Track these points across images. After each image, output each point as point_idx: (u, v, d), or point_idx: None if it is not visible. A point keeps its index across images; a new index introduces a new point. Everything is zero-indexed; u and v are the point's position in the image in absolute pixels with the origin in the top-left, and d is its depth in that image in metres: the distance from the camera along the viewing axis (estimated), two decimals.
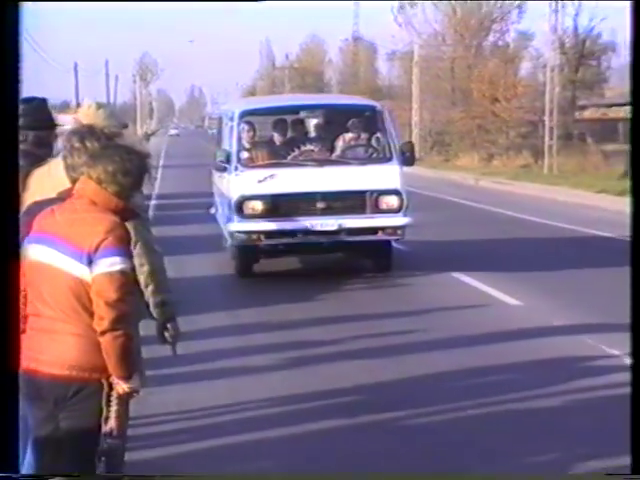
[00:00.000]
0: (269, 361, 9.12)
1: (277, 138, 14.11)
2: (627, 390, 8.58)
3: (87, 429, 4.15)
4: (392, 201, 12.84)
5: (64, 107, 65.32)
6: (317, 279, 13.37)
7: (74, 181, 4.44)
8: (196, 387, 8.24)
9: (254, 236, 12.68)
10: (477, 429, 7.23)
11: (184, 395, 7.89)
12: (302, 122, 14.79)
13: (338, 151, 13.66)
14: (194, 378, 8.48)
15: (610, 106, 49.11)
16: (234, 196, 12.75)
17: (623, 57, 52.00)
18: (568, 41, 45.40)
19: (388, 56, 67.54)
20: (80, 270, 4.03)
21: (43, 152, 5.54)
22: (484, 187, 34.22)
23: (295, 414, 7.51)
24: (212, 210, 15.76)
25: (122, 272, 4.04)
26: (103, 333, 4.01)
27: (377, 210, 12.80)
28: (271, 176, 12.76)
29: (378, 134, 13.57)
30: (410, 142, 15.05)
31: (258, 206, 12.67)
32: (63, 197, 4.36)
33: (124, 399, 4.20)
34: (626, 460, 4.12)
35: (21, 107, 3.72)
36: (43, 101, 6.00)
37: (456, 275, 13.50)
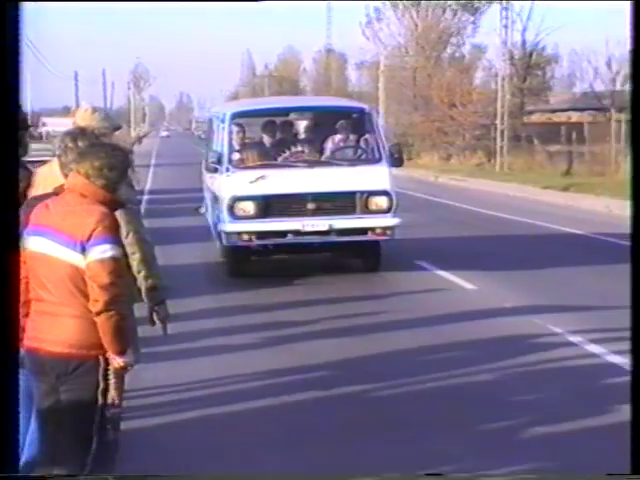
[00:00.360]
0: (250, 340, 9.10)
1: (267, 140, 13.22)
2: (568, 363, 8.63)
3: (86, 401, 4.16)
4: (382, 202, 11.95)
5: (65, 112, 65.12)
6: (294, 267, 13.32)
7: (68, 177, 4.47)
8: (184, 363, 8.20)
9: (245, 236, 11.77)
10: (435, 399, 7.24)
11: (173, 370, 7.86)
12: (291, 124, 13.93)
13: (327, 152, 12.75)
14: (182, 355, 8.44)
15: (554, 111, 49.34)
16: (226, 197, 11.86)
17: (565, 68, 52.32)
18: (517, 53, 45.50)
19: (357, 66, 67.73)
20: (75, 258, 4.06)
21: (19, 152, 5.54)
22: (443, 183, 34.28)
23: (273, 387, 7.50)
24: (202, 210, 14.85)
25: (113, 258, 4.06)
26: (98, 314, 4.04)
27: (367, 211, 11.91)
28: (262, 177, 11.83)
29: (367, 136, 12.70)
30: (398, 144, 14.34)
31: (249, 207, 11.78)
32: (58, 192, 4.38)
33: (120, 373, 4.20)
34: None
35: None
36: None
37: (418, 263, 13.50)
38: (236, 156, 12.33)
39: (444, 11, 52.84)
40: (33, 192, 4.88)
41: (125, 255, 4.42)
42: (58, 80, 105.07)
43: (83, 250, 4.04)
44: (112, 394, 4.19)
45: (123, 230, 5.12)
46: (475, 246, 15.85)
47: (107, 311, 4.03)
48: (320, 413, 6.92)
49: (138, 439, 6.08)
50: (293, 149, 12.73)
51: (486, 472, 4.13)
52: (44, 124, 45.30)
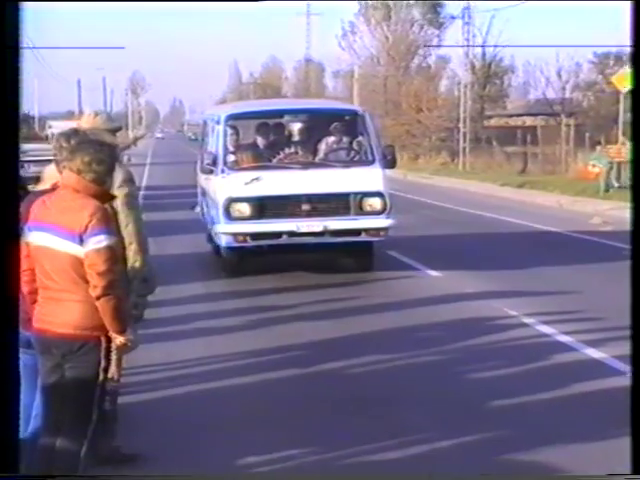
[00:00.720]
0: (236, 322, 9.09)
1: (260, 142, 12.31)
2: (521, 342, 8.65)
3: (88, 377, 4.17)
4: (375, 203, 11.09)
5: (69, 115, 64.96)
6: (277, 257, 13.28)
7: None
8: (177, 344, 8.19)
9: (240, 237, 10.96)
10: (403, 375, 7.26)
11: (167, 350, 7.84)
12: (285, 126, 12.98)
13: (321, 154, 11.86)
14: (175, 337, 8.43)
15: (510, 116, 49.53)
16: (221, 198, 11.00)
17: (520, 77, 52.39)
18: (477, 64, 45.59)
19: (333, 74, 67.66)
20: (75, 249, 4.08)
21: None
22: (411, 180, 34.29)
23: (257, 365, 7.50)
24: (197, 209, 14.00)
25: (108, 247, 4.08)
26: (98, 298, 4.06)
27: (361, 212, 11.05)
28: (257, 179, 10.96)
29: (360, 137, 11.78)
30: (392, 146, 13.39)
31: (245, 208, 10.91)
32: (54, 187, 4.44)
33: (122, 349, 4.22)
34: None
35: None
36: None
37: (389, 253, 13.49)
38: (231, 158, 11.54)
39: (412, 25, 52.93)
40: (40, 187, 4.93)
41: (122, 245, 4.45)
42: (62, 87, 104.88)
43: (81, 241, 4.05)
44: (113, 370, 4.20)
45: (124, 220, 5.14)
46: (440, 238, 15.88)
47: (106, 295, 4.05)
48: (299, 388, 6.92)
49: (135, 412, 6.09)
50: (288, 151, 11.93)
51: (486, 472, 4.11)
52: (50, 127, 45.05)
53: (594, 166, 26.86)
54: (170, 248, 13.85)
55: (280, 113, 13.16)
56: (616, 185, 25.81)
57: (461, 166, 39.37)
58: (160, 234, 16.14)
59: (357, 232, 11.14)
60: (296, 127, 12.60)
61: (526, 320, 9.01)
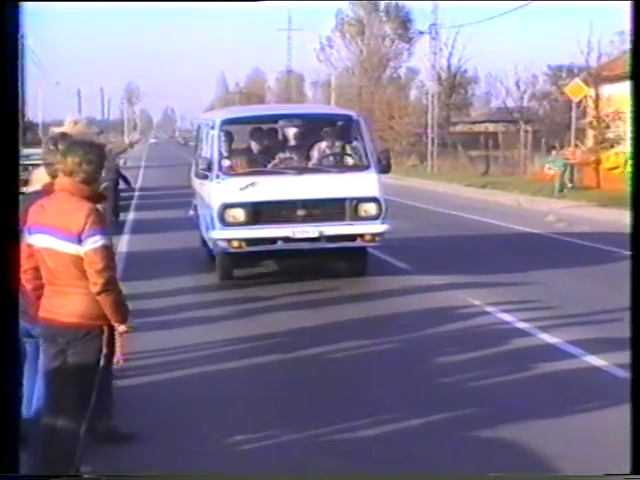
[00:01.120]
0: (223, 312, 9.06)
1: (254, 146, 11.36)
2: (483, 329, 8.66)
3: (90, 362, 4.19)
4: (371, 208, 10.20)
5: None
6: (270, 263, 13.18)
7: (51, 175, 4.56)
8: (169, 332, 8.16)
9: (235, 243, 10.02)
10: (376, 359, 7.27)
11: (160, 338, 7.80)
12: (280, 131, 12.03)
13: (316, 159, 10.93)
14: (167, 325, 8.40)
15: (474, 123, 49.67)
16: (216, 204, 10.06)
17: (483, 87, 52.60)
18: (444, 75, 45.68)
19: (312, 84, 67.61)
20: (75, 248, 4.10)
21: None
22: (384, 181, 34.22)
23: (242, 351, 7.49)
24: (190, 212, 13.09)
25: (104, 246, 4.12)
26: (98, 294, 4.11)
27: (356, 217, 10.14)
28: (252, 184, 10.04)
29: (355, 142, 10.92)
30: (387, 150, 12.42)
31: (239, 214, 9.97)
32: (45, 189, 4.51)
33: (124, 336, 4.27)
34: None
35: None
36: None
37: None
38: (226, 163, 10.60)
39: (384, 40, 53.07)
40: (30, 189, 4.94)
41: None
42: (64, 96, 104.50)
43: (79, 241, 4.08)
44: (118, 354, 4.28)
45: None
46: (409, 233, 15.89)
47: (105, 291, 4.10)
48: (281, 372, 6.92)
49: (132, 394, 6.09)
50: (282, 156, 11.02)
51: (486, 472, 4.07)
52: (52, 133, 44.67)
53: (550, 168, 27.02)
54: (163, 244, 13.81)
55: (275, 118, 12.30)
56: (569, 186, 25.96)
57: (429, 168, 39.44)
58: (153, 231, 16.14)
59: (352, 237, 10.27)
60: (291, 132, 11.91)
61: (488, 309, 9.04)
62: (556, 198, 23.93)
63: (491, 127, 44.32)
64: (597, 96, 27.88)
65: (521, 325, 8.27)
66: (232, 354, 7.39)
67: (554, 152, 27.39)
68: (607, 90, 27.95)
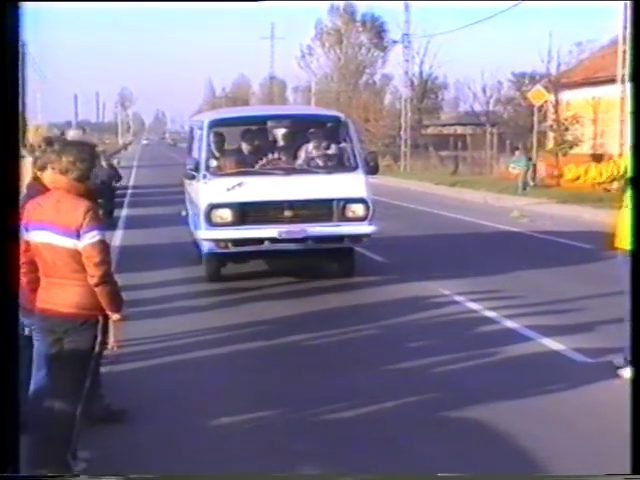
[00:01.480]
0: (210, 302, 9.03)
1: (245, 147, 10.66)
2: (453, 317, 8.66)
3: (86, 349, 4.18)
4: (358, 209, 9.55)
5: (67, 125, 64.25)
6: (258, 262, 13.09)
7: (40, 170, 4.64)
8: (159, 321, 8.11)
9: (222, 244, 9.43)
10: (356, 345, 7.27)
11: (151, 326, 7.76)
12: (269, 132, 11.40)
13: (303, 160, 10.25)
14: (158, 315, 8.36)
15: (444, 125, 49.75)
16: (203, 204, 9.44)
17: (452, 92, 52.72)
18: (416, 81, 45.74)
19: (294, 89, 67.47)
20: (73, 243, 4.09)
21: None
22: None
23: (228, 338, 7.45)
24: (183, 212, 12.45)
25: (101, 241, 4.11)
26: (96, 286, 4.10)
27: (343, 218, 9.49)
28: (239, 184, 9.39)
29: (343, 144, 10.23)
30: (374, 152, 11.69)
31: (226, 214, 9.34)
32: (30, 184, 4.60)
33: (118, 325, 4.29)
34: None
35: None
36: None
37: None
38: (213, 163, 9.94)
39: (360, 48, 53.12)
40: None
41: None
42: (62, 100, 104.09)
43: (77, 236, 4.07)
44: (111, 341, 4.30)
45: None
46: (385, 229, 15.87)
47: (102, 283, 4.10)
48: (264, 358, 6.90)
49: (124, 378, 6.06)
50: (270, 157, 10.31)
51: (485, 472, 4.01)
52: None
53: (514, 168, 27.09)
54: (154, 238, 13.74)
55: (263, 119, 11.47)
56: (532, 184, 26.04)
57: (402, 168, 39.48)
58: (145, 226, 16.05)
59: (339, 238, 9.65)
60: (279, 133, 11.35)
61: (457, 298, 9.05)
62: (520, 195, 24.03)
63: (460, 129, 44.45)
64: (557, 101, 28.08)
65: (488, 313, 8.30)
66: (219, 341, 7.35)
67: (517, 152, 27.53)
68: (566, 96, 28.12)
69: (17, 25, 2.59)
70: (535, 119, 26.68)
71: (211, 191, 9.50)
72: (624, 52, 22.41)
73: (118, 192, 20.06)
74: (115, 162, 22.02)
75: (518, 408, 5.46)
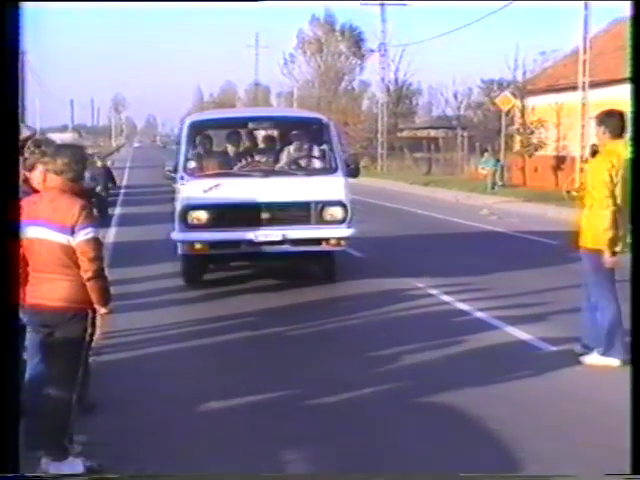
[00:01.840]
0: (197, 295, 8.97)
1: (231, 150, 10.14)
2: (427, 309, 8.67)
3: (77, 340, 4.17)
4: (336, 212, 8.90)
5: (63, 129, 63.79)
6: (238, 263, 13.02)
7: (24, 177, 4.58)
8: (149, 313, 8.06)
9: (198, 245, 8.77)
10: (335, 336, 7.27)
11: (141, 318, 7.71)
12: (251, 134, 10.89)
13: (284, 162, 9.63)
14: (149, 307, 8.32)
15: (418, 129, 49.72)
16: (178, 206, 8.89)
17: (425, 98, 52.83)
18: (392, 87, 45.77)
19: (277, 95, 67.21)
20: (67, 239, 4.07)
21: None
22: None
23: (215, 329, 7.42)
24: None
25: (94, 238, 4.11)
26: (89, 280, 4.09)
27: (321, 221, 8.86)
28: (216, 186, 8.75)
29: (324, 146, 9.58)
30: (355, 154, 10.66)
31: (202, 216, 8.71)
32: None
33: (105, 318, 4.30)
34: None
35: None
36: None
37: None
38: (192, 165, 9.31)
39: (339, 56, 53.16)
40: None
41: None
42: (59, 105, 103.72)
43: (72, 233, 4.05)
44: (98, 333, 4.30)
45: None
46: (363, 225, 15.86)
47: (95, 278, 4.09)
48: (250, 347, 6.88)
49: (113, 367, 6.02)
50: (249, 159, 9.82)
51: (486, 472, 3.91)
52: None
53: (483, 168, 27.22)
54: (145, 235, 13.63)
55: (244, 121, 10.86)
56: (500, 184, 26.18)
57: (379, 168, 39.49)
58: (136, 224, 15.95)
59: (317, 241, 8.95)
60: (260, 135, 10.79)
61: (431, 291, 9.05)
62: (489, 194, 24.11)
63: (433, 133, 44.51)
64: (523, 106, 28.23)
65: (461, 305, 8.31)
66: (206, 332, 7.31)
67: (486, 154, 27.67)
68: (531, 101, 28.27)
69: (17, 26, 2.51)
70: (503, 123, 26.81)
71: (187, 192, 8.88)
72: (584, 61, 22.62)
73: (111, 192, 19.96)
74: (109, 163, 21.91)
75: (485, 393, 5.48)
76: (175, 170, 9.29)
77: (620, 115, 5.91)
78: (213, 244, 8.78)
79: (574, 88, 23.40)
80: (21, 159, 4.76)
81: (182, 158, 9.27)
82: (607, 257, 5.85)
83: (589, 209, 5.96)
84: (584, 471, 4.20)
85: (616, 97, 20.30)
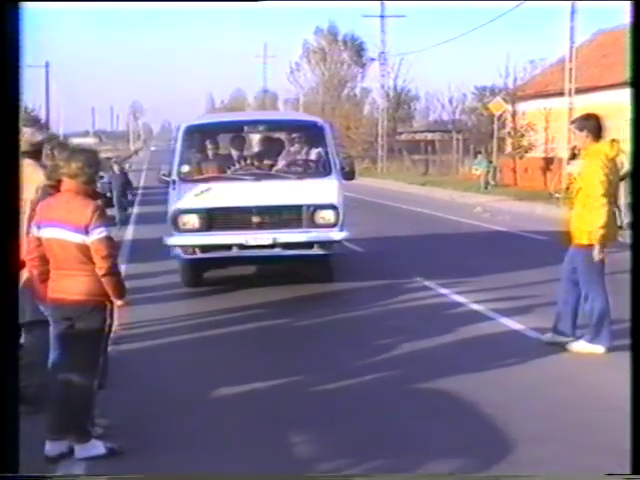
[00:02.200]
0: (208, 289, 8.89)
1: (234, 154, 9.48)
2: (424, 301, 8.64)
3: (97, 330, 4.18)
4: (328, 215, 8.33)
5: (85, 134, 64.05)
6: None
7: (48, 177, 4.54)
8: (165, 304, 8.08)
9: (189, 250, 8.39)
10: (334, 326, 7.25)
11: (157, 309, 7.70)
12: (246, 138, 10.34)
13: (278, 165, 9.08)
14: (163, 299, 8.32)
15: (416, 132, 49.54)
16: (170, 210, 8.44)
17: (423, 103, 52.65)
18: (391, 93, 45.71)
19: (284, 101, 67.16)
20: (82, 238, 4.09)
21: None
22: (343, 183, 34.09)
23: (224, 320, 7.39)
24: None
25: (107, 237, 4.13)
26: (103, 276, 4.10)
27: (313, 224, 8.29)
28: (207, 190, 8.33)
29: (318, 149, 9.00)
30: (350, 157, 9.71)
31: (193, 220, 8.26)
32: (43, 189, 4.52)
33: (121, 310, 4.30)
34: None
35: None
36: None
37: None
38: (185, 169, 8.78)
39: (342, 65, 53.21)
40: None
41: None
42: (81, 112, 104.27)
43: (86, 232, 4.07)
44: (115, 325, 4.31)
45: None
46: (362, 222, 15.85)
47: (109, 274, 4.09)
48: (255, 337, 6.86)
49: (134, 355, 6.01)
50: (242, 163, 9.17)
51: (486, 472, 3.81)
52: (70, 144, 44.28)
53: (476, 169, 27.20)
54: (160, 232, 13.51)
55: (239, 125, 10.28)
56: (492, 183, 26.15)
57: (379, 169, 39.48)
58: (153, 222, 15.90)
59: (309, 245, 8.39)
60: (255, 138, 10.23)
61: (428, 284, 9.01)
62: (482, 194, 24.08)
63: (430, 136, 44.34)
64: (514, 111, 28.24)
65: (457, 297, 8.27)
66: (216, 323, 7.29)
67: (479, 156, 27.68)
68: (521, 107, 28.27)
69: (17, 25, 2.37)
70: (495, 127, 26.79)
71: (179, 197, 8.43)
72: (570, 69, 22.84)
73: (128, 193, 19.98)
74: (127, 166, 21.92)
75: (479, 379, 5.46)
76: (168, 174, 8.75)
77: (597, 118, 5.95)
78: (204, 248, 8.35)
79: (561, 94, 23.50)
80: (39, 163, 4.74)
81: (176, 162, 8.74)
82: (597, 251, 5.84)
83: (582, 207, 5.92)
84: (572, 447, 4.19)
85: (600, 102, 20.30)
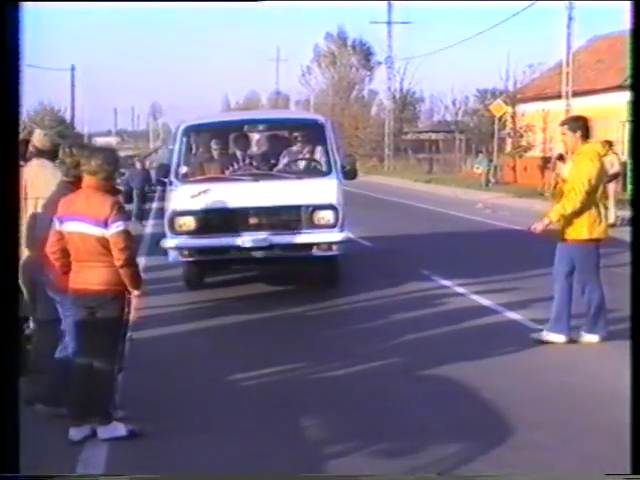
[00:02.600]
0: (220, 280, 8.79)
1: (239, 154, 8.60)
2: (428, 292, 8.58)
3: (116, 318, 4.17)
4: (327, 216, 7.59)
5: (107, 133, 64.32)
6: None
7: (65, 174, 4.48)
8: (180, 294, 8.08)
9: (185, 252, 7.66)
10: (342, 315, 7.22)
11: (173, 299, 7.73)
12: (248, 137, 9.63)
13: (280, 165, 8.32)
14: (178, 290, 8.28)
15: (421, 132, 49.50)
16: (166, 211, 7.85)
17: (427, 104, 52.49)
18: (397, 95, 45.61)
19: (296, 103, 67.05)
20: (102, 231, 4.09)
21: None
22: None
23: (237, 308, 7.38)
24: None
25: (125, 230, 4.13)
26: (121, 267, 4.10)
27: (312, 225, 7.56)
28: (205, 191, 7.62)
29: (319, 148, 8.32)
30: (351, 156, 9.50)
31: (189, 222, 7.57)
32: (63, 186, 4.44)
33: (138, 299, 4.27)
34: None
35: None
36: None
37: None
38: (183, 170, 8.12)
39: (351, 68, 53.19)
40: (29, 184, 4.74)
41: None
42: (104, 112, 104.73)
43: (106, 226, 4.08)
44: (133, 312, 4.29)
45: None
46: (370, 217, 15.79)
47: (126, 265, 4.10)
48: (264, 326, 6.83)
49: (151, 341, 6.00)
50: (241, 163, 8.40)
51: (486, 472, 3.67)
52: (95, 142, 44.59)
53: (478, 168, 27.12)
54: None
55: (239, 124, 9.49)
56: (493, 181, 26.07)
57: (386, 168, 39.43)
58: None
59: (308, 246, 7.64)
60: (255, 138, 9.66)
61: (433, 277, 8.93)
62: (483, 191, 24.01)
63: (434, 136, 44.25)
64: (514, 113, 28.16)
65: (459, 289, 8.18)
66: (229, 310, 7.28)
67: (480, 155, 27.61)
68: (521, 108, 28.17)
69: (17, 25, 2.25)
70: (496, 127, 26.70)
71: (175, 198, 7.78)
72: (567, 73, 22.80)
73: (147, 190, 19.98)
74: (147, 163, 21.91)
75: (481, 366, 5.43)
76: (166, 175, 8.09)
77: (585, 119, 5.96)
78: (200, 250, 7.67)
79: (559, 97, 23.42)
80: (56, 162, 4.72)
81: (174, 163, 8.10)
82: (541, 224, 5.85)
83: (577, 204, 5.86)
84: (570, 432, 4.15)
85: (595, 105, 20.17)
